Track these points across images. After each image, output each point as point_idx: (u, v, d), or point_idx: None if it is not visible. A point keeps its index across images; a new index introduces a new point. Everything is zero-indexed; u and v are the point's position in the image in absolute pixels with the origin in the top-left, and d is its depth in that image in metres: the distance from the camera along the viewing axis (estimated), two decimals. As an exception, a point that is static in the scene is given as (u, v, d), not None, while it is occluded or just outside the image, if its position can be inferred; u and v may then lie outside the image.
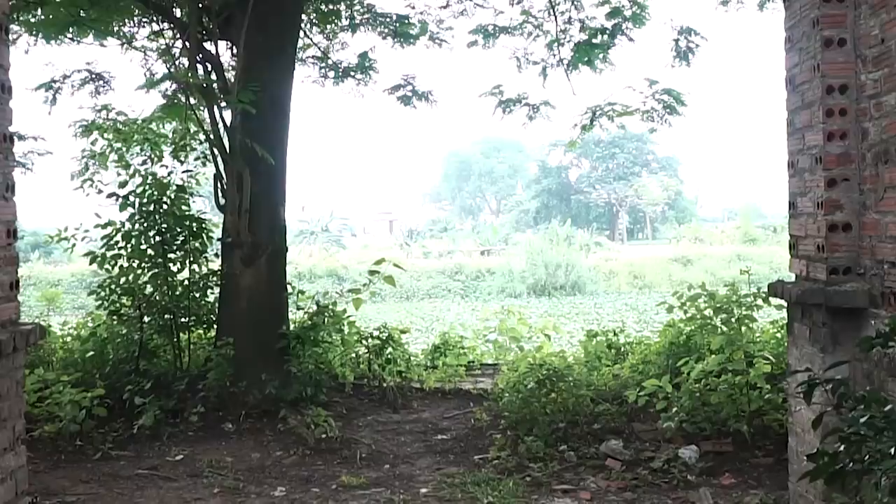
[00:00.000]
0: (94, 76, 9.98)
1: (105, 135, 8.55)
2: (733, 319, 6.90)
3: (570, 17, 10.67)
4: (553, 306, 29.55)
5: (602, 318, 23.53)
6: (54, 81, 9.86)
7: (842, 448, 2.80)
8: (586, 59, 10.58)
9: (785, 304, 5.02)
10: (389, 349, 8.77)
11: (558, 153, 75.04)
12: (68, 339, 8.89)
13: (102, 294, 8.11)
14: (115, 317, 8.11)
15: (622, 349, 8.80)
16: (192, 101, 8.55)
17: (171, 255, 8.20)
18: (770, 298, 6.46)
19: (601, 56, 10.60)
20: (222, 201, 8.09)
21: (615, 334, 9.11)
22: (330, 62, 11.03)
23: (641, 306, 27.79)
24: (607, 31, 10.46)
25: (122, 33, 9.51)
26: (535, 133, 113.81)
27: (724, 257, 40.15)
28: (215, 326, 8.30)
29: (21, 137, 11.55)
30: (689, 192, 79.84)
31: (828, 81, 4.25)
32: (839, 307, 4.15)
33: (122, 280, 8.06)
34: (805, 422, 4.46)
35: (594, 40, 10.53)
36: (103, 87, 10.03)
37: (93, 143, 8.69)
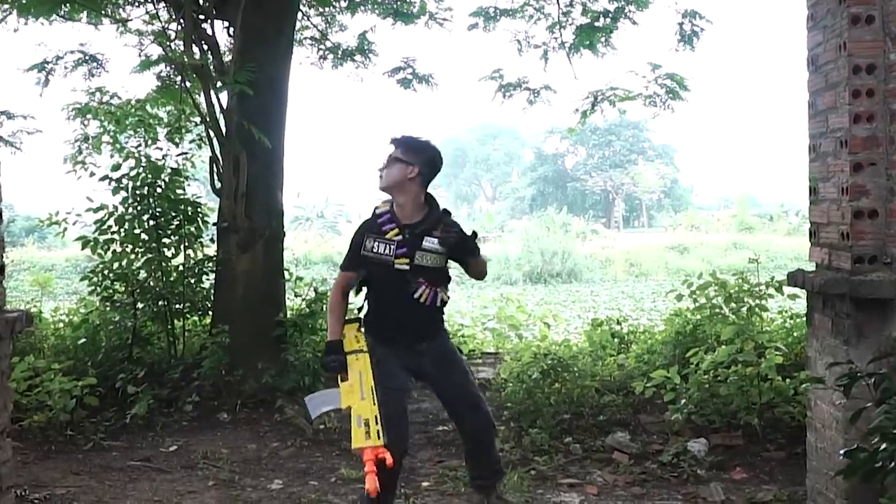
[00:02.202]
0: (87, 58, 9.75)
1: (98, 117, 8.33)
2: (744, 309, 6.73)
3: (571, 0, 10.46)
4: (549, 294, 29.37)
5: (598, 306, 23.36)
6: (46, 62, 9.62)
7: (883, 446, 2.65)
8: (588, 42, 10.36)
9: (802, 294, 4.85)
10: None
11: (554, 140, 75.01)
12: (60, 325, 8.69)
13: (95, 280, 7.89)
14: (107, 303, 7.89)
15: (626, 338, 8.62)
16: (188, 82, 8.35)
17: (166, 240, 7.97)
18: (783, 287, 6.31)
19: (603, 39, 10.40)
20: (218, 185, 7.89)
21: (618, 323, 8.92)
22: (328, 44, 10.82)
23: (638, 294, 27.66)
24: (610, 14, 10.25)
25: (116, 14, 9.27)
26: (531, 120, 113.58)
27: (720, 245, 40.11)
28: (210, 313, 8.10)
29: (10, 116, 11.33)
30: (685, 180, 79.95)
31: (854, 61, 4.05)
32: (864, 297, 3.97)
33: (115, 265, 7.84)
34: (826, 417, 4.30)
35: (597, 23, 10.31)
36: (97, 69, 9.80)
37: (85, 126, 8.47)
